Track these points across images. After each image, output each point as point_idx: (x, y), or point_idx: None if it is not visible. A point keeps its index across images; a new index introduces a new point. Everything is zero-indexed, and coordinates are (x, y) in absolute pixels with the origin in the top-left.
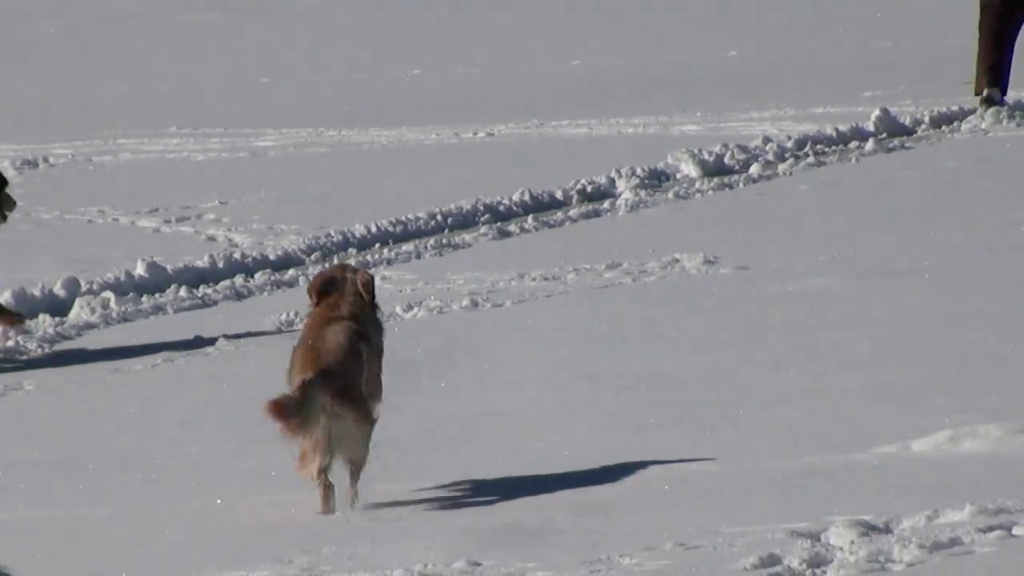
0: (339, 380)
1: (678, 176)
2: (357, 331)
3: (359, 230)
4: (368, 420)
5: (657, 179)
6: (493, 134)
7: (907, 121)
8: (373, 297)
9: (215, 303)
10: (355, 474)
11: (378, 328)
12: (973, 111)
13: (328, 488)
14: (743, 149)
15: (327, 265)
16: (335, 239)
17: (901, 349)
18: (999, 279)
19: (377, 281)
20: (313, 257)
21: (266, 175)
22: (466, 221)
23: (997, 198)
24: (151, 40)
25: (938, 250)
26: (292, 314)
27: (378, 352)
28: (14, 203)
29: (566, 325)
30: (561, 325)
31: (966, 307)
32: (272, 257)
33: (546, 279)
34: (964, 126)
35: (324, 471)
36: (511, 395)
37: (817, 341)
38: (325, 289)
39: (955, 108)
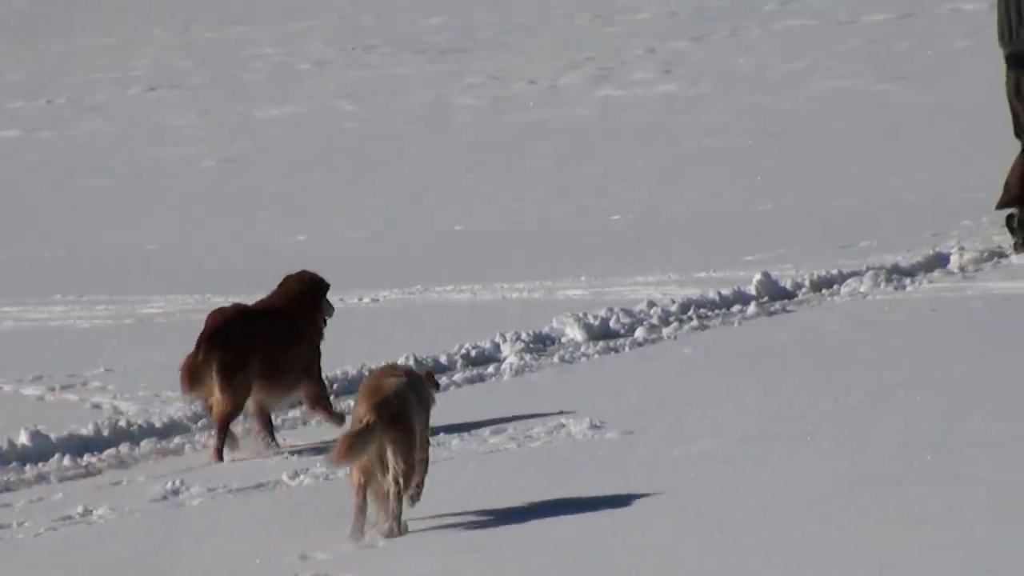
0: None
1: (563, 340)
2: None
3: None
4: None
5: (542, 343)
6: (378, 299)
7: (788, 285)
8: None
9: (100, 472)
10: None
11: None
12: (853, 274)
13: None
14: (628, 313)
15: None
16: None
17: (784, 512)
18: (879, 442)
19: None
20: (200, 424)
21: (152, 342)
22: (351, 386)
23: (877, 361)
24: (35, 206)
25: (819, 413)
26: (178, 482)
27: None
28: (333, 309)
29: (451, 491)
30: (446, 491)
31: (847, 470)
32: (158, 425)
33: (431, 444)
34: (843, 289)
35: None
36: (396, 564)
37: (702, 504)
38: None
39: (835, 271)
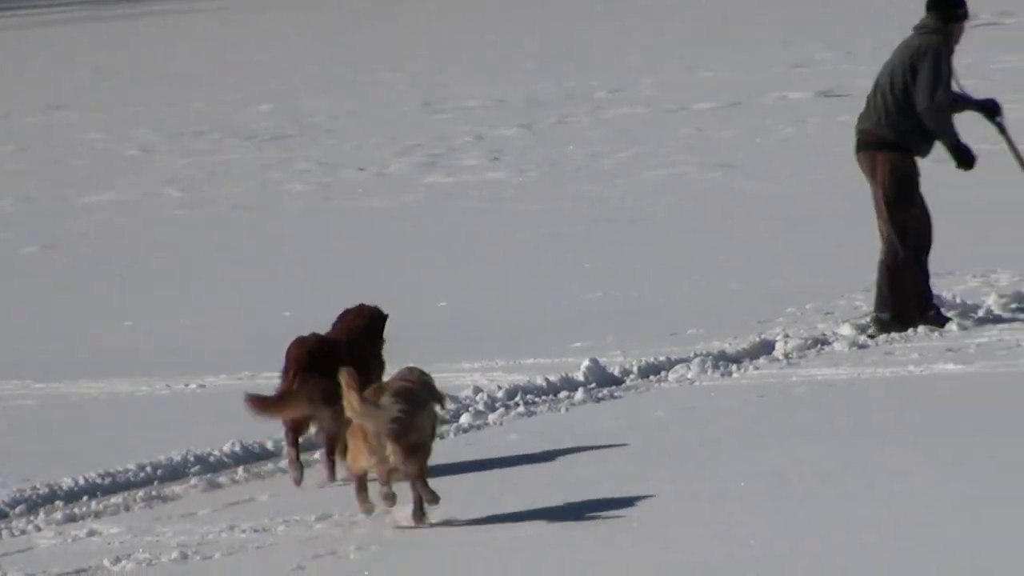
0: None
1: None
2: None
3: (66, 482)
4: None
5: None
6: (204, 385)
7: (616, 371)
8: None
9: None
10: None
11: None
12: (681, 361)
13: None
14: (453, 399)
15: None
16: (41, 491)
17: None
18: (708, 529)
19: None
20: (18, 510)
21: None
22: (176, 473)
23: (705, 446)
24: None
25: (647, 501)
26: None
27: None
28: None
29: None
30: None
31: (677, 557)
32: None
33: (256, 531)
34: (671, 375)
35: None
36: None
37: None
38: None
39: (663, 358)
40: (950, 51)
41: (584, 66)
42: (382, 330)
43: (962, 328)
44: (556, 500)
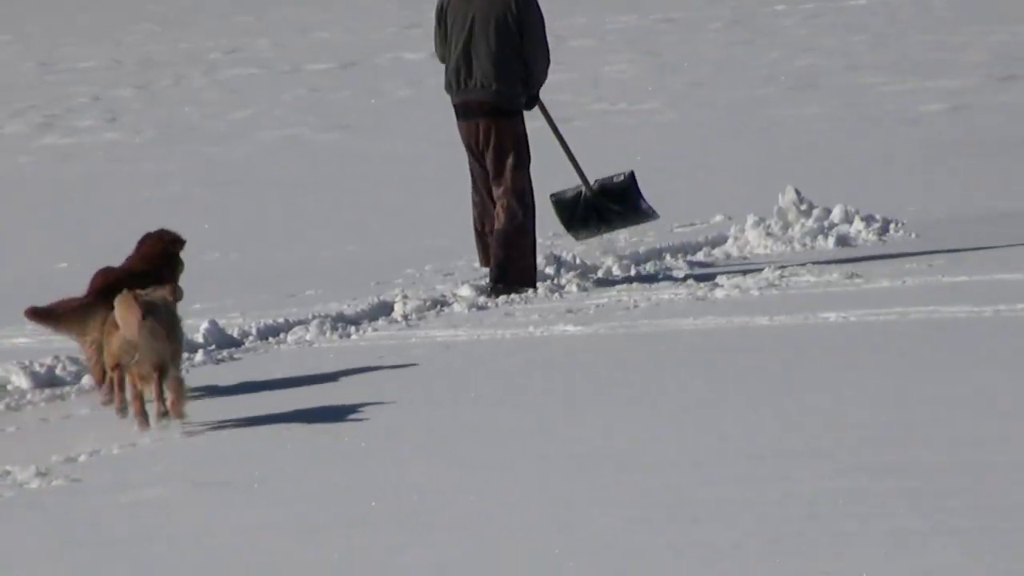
0: None
1: (9, 388)
2: None
3: None
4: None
5: None
6: None
7: (235, 333)
8: None
9: None
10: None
11: None
12: (300, 323)
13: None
14: (74, 361)
15: None
16: None
17: (234, 561)
18: (318, 487)
19: None
20: None
21: None
22: None
23: (323, 406)
24: None
25: (269, 459)
26: None
27: None
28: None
29: None
30: None
31: (290, 518)
32: None
33: None
34: (290, 337)
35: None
36: None
37: (149, 552)
38: None
39: (281, 320)
40: None
41: (199, 27)
42: (178, 254)
43: (581, 289)
44: (178, 464)
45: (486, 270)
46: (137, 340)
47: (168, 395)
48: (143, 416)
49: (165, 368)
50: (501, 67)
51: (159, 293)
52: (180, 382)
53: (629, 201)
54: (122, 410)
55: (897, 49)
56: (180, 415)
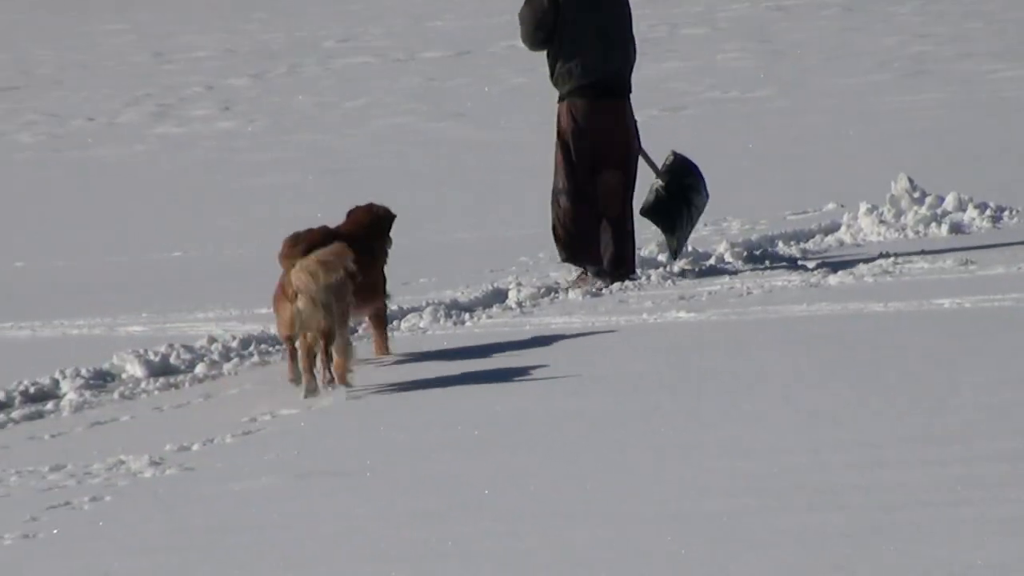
0: None
1: (123, 376)
2: None
3: None
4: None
5: (103, 380)
6: None
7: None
8: None
9: None
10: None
11: None
12: (413, 310)
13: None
14: (188, 349)
15: None
16: None
17: (340, 548)
18: (429, 478)
19: None
20: None
21: None
22: None
23: (441, 394)
24: None
25: (382, 451)
26: None
27: None
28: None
29: (5, 527)
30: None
31: (401, 507)
32: None
33: None
34: (404, 325)
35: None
36: None
37: (260, 541)
38: None
39: (395, 307)
40: None
41: (313, 16)
42: (388, 229)
43: (694, 276)
44: (291, 452)
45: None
46: (305, 308)
47: (335, 360)
48: (311, 381)
49: (331, 335)
50: (631, 48)
51: (334, 250)
52: (345, 348)
53: (692, 170)
54: (295, 380)
55: (1012, 35)
56: (345, 382)
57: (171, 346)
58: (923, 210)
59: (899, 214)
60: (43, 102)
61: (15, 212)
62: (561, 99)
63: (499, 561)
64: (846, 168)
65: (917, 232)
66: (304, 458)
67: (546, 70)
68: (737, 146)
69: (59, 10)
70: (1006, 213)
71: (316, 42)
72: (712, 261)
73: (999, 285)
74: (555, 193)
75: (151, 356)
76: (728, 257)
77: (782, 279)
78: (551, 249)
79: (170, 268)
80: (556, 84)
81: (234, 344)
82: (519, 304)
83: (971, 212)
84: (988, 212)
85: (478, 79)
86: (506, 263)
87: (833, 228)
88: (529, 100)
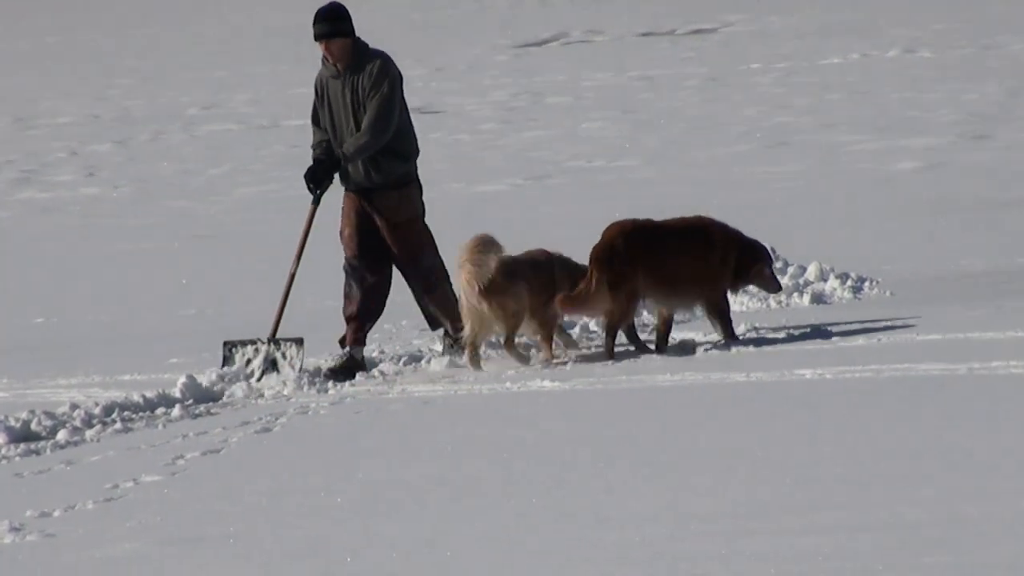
0: None
1: None
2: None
3: None
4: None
5: None
6: None
7: (214, 387)
8: None
9: None
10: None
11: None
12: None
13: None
14: (50, 415)
15: None
16: None
17: None
18: (291, 544)
19: None
20: None
21: None
22: None
23: (303, 461)
24: None
25: (241, 516)
26: None
27: None
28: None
29: None
30: None
31: (262, 573)
32: None
33: None
34: (267, 392)
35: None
36: None
37: None
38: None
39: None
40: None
41: (177, 82)
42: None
43: (557, 345)
44: (154, 518)
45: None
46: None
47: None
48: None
49: (509, 337)
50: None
51: (533, 255)
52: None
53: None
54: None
55: (871, 107)
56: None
57: (32, 412)
58: (785, 280)
59: None
60: None
61: None
62: (414, 181)
63: None
64: None
65: (779, 302)
66: (167, 524)
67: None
68: (602, 216)
69: None
70: (867, 284)
71: (179, 110)
72: (576, 330)
73: (860, 356)
74: (441, 270)
75: (12, 422)
76: (591, 325)
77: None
78: (412, 317)
79: (32, 334)
80: (411, 166)
81: (96, 411)
82: (382, 373)
83: (832, 282)
84: (849, 282)
85: None
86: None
87: None
88: None
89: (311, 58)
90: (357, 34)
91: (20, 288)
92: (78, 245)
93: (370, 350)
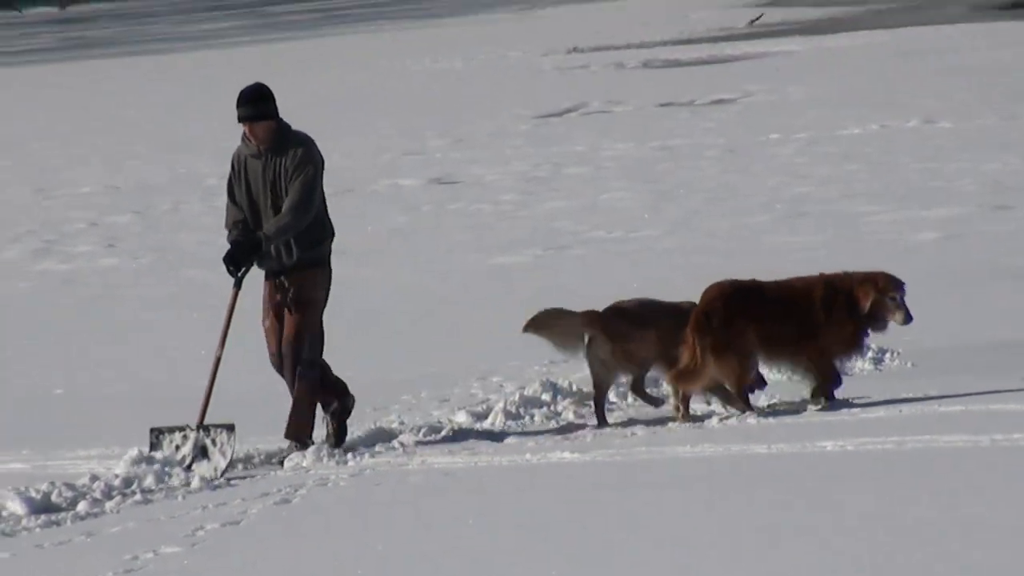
0: None
1: (4, 514)
2: None
3: None
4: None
5: None
6: None
7: (226, 457)
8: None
9: None
10: None
11: None
12: (295, 450)
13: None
14: (70, 487)
15: None
16: None
17: None
18: None
19: None
20: None
21: None
22: None
23: (319, 535)
24: None
25: None
26: None
27: None
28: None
29: None
30: None
31: None
32: None
33: None
34: (287, 463)
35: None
36: None
37: None
38: None
39: (284, 446)
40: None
41: (195, 152)
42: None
43: (578, 416)
44: None
45: (483, 395)
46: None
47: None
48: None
49: (637, 381)
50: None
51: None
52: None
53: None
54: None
55: (891, 177)
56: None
57: (52, 483)
58: None
59: None
60: None
61: None
62: (326, 264)
63: None
64: None
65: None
66: None
67: (426, 208)
68: (621, 287)
69: None
70: (887, 355)
71: (199, 179)
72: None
73: (881, 428)
74: (315, 367)
75: (32, 493)
76: (612, 396)
77: (666, 419)
78: (432, 388)
79: (52, 405)
80: (326, 249)
81: (116, 482)
82: (402, 444)
83: None
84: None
85: (356, 217)
86: (389, 401)
87: None
88: (411, 238)
89: (328, 129)
90: (281, 115)
91: (39, 359)
92: (98, 316)
93: (390, 420)
